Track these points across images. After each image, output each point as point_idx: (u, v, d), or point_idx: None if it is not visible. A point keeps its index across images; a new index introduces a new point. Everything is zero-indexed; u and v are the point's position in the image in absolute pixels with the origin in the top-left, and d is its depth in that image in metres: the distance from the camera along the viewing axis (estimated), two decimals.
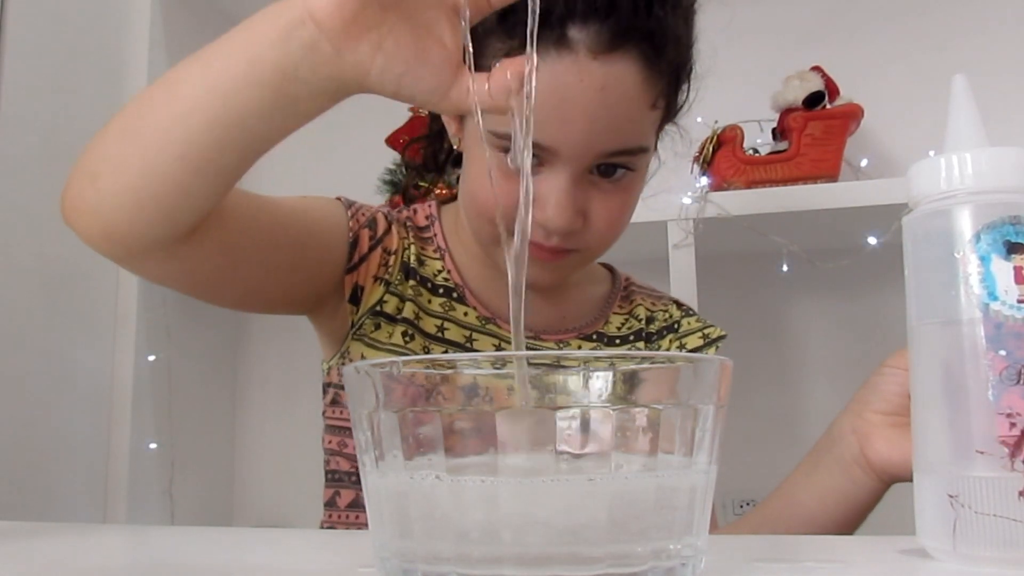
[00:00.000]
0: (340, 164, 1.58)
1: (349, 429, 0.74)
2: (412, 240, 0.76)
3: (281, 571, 0.41)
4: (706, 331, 0.82)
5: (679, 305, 0.85)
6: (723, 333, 0.82)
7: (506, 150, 0.64)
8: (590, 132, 0.64)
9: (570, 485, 0.31)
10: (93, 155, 0.54)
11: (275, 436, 1.61)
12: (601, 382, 0.32)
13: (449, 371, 0.33)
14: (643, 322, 0.81)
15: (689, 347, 0.81)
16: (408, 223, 0.78)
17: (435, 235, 0.78)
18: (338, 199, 0.75)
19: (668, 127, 0.76)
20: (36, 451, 1.20)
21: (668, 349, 0.81)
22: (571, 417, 0.32)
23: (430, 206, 0.81)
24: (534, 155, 0.64)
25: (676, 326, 0.82)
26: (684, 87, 0.72)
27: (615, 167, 0.67)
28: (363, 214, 0.74)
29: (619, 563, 0.31)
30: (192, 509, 1.47)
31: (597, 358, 0.33)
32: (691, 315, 0.84)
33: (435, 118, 0.85)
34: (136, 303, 1.37)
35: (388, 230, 0.75)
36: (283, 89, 0.45)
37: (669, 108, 0.71)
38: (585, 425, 0.32)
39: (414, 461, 0.33)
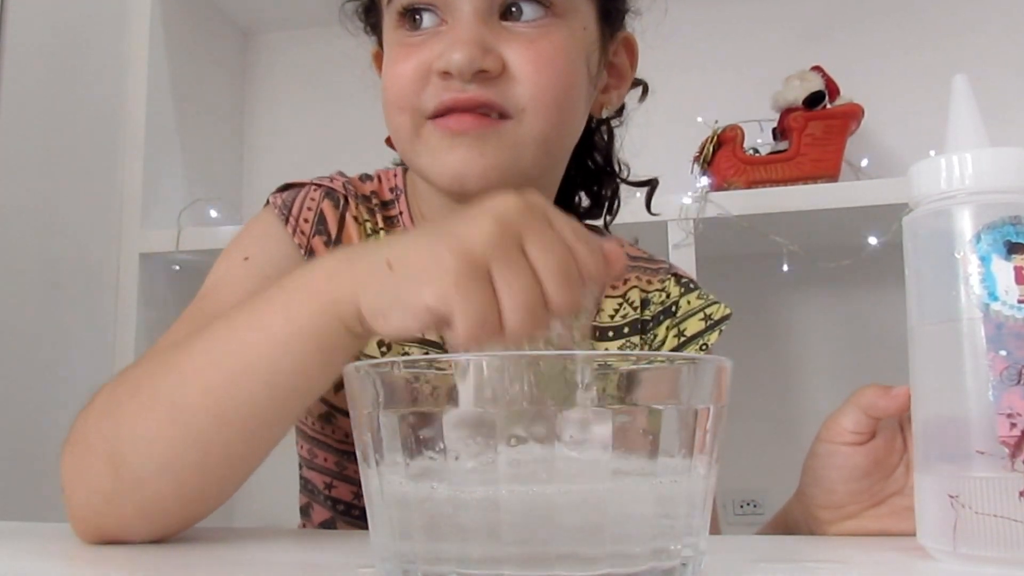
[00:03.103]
0: (340, 164, 1.58)
1: (317, 440, 0.69)
2: (379, 224, 0.68)
3: (281, 571, 0.41)
4: (708, 310, 0.73)
5: (678, 279, 0.76)
6: (728, 312, 0.73)
7: (403, 16, 0.61)
8: None
9: (570, 486, 0.31)
10: (105, 435, 0.47)
11: None
12: (601, 383, 0.32)
13: (449, 371, 0.32)
14: (638, 309, 0.73)
15: (689, 333, 0.72)
16: (373, 197, 0.70)
17: (400, 213, 0.70)
18: (275, 207, 0.67)
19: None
20: (36, 451, 1.20)
21: (665, 338, 0.72)
22: (571, 418, 0.32)
23: (395, 175, 0.72)
24: (426, 9, 0.60)
25: (674, 308, 0.73)
26: None
27: (528, 8, 0.60)
28: (305, 219, 0.66)
29: (619, 563, 0.31)
30: None
31: (598, 359, 0.33)
32: (691, 291, 0.75)
33: None
34: (136, 303, 1.37)
35: (342, 222, 0.67)
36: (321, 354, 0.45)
37: None
38: (585, 426, 0.32)
39: (414, 462, 0.33)
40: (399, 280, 0.40)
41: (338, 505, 0.69)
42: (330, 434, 0.68)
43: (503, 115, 0.59)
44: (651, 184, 0.83)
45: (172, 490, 0.46)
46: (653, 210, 0.86)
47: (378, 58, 0.71)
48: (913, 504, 0.41)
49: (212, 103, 1.62)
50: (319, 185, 0.68)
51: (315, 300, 0.44)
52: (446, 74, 0.58)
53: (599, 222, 0.83)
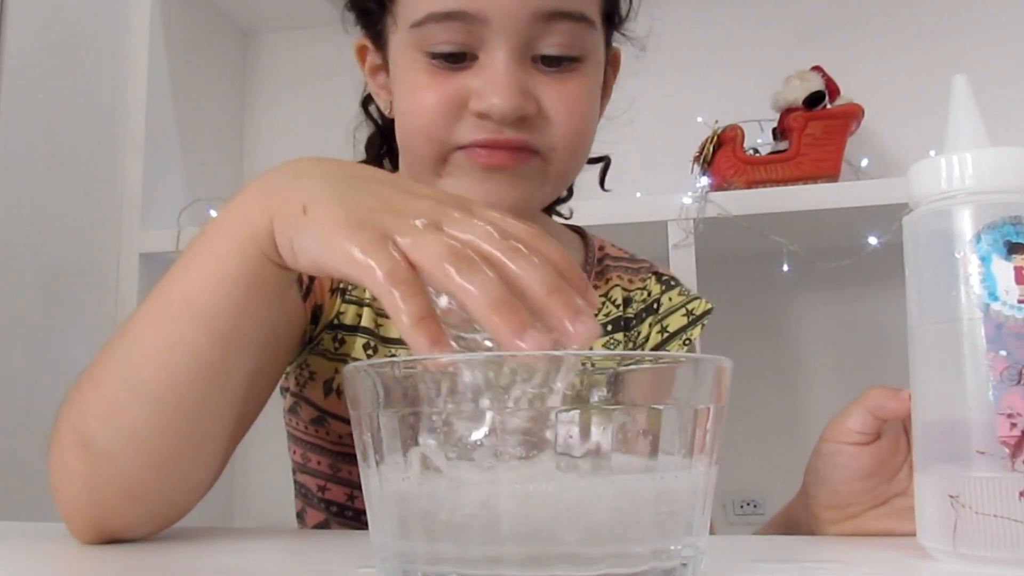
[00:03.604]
0: None
1: (309, 443, 0.70)
2: None
3: (281, 571, 0.41)
4: (690, 306, 0.75)
5: (659, 277, 0.77)
6: (709, 307, 0.75)
7: (434, 56, 0.60)
8: None
9: (570, 486, 0.31)
10: (79, 423, 0.47)
11: (275, 436, 1.61)
12: (601, 383, 0.32)
13: (449, 371, 0.32)
14: (620, 307, 0.74)
15: (671, 329, 0.73)
16: None
17: None
18: None
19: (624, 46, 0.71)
20: (36, 451, 1.20)
21: (648, 335, 0.73)
22: (571, 418, 0.32)
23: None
24: (462, 53, 0.60)
25: (656, 306, 0.75)
26: None
27: (560, 59, 0.61)
28: None
29: (619, 563, 0.31)
30: (192, 509, 1.46)
31: (597, 359, 0.33)
32: (672, 287, 0.76)
33: (367, 105, 0.79)
34: (136, 303, 1.37)
35: None
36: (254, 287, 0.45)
37: None
38: (585, 426, 0.32)
39: (414, 462, 0.33)
40: (312, 228, 0.40)
41: (331, 507, 0.69)
42: (324, 436, 0.68)
43: (534, 152, 0.61)
44: (604, 161, 0.83)
45: (143, 461, 0.46)
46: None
47: (362, 52, 0.70)
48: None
49: (212, 103, 1.62)
50: None
51: (234, 237, 0.43)
52: (484, 115, 0.59)
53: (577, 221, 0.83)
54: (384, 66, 0.67)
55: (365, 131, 0.83)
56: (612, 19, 0.68)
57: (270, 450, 1.66)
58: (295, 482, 0.74)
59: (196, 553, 0.46)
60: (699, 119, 1.33)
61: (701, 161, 1.30)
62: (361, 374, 0.34)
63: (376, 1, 0.65)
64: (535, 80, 0.60)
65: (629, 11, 0.70)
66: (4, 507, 1.13)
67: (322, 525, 0.70)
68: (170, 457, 0.47)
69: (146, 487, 0.47)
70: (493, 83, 0.58)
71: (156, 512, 0.49)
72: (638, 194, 1.27)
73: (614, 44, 0.71)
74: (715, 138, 1.29)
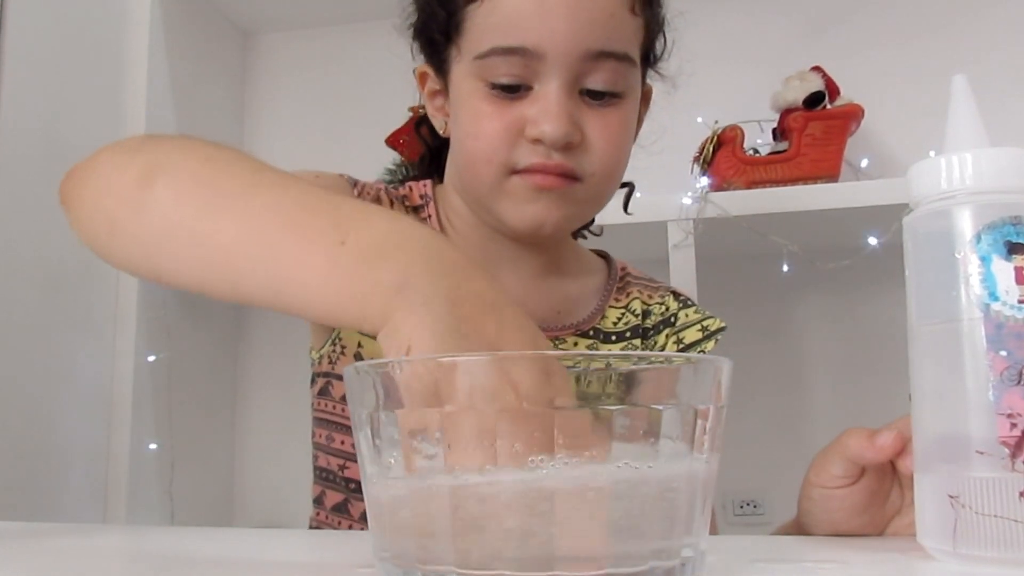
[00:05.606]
0: (340, 164, 1.58)
1: (337, 423, 0.72)
2: None
3: (280, 571, 0.41)
4: (705, 323, 0.80)
5: (676, 296, 0.83)
6: (722, 325, 0.80)
7: (494, 87, 0.66)
8: (573, 22, 0.65)
9: (570, 485, 0.31)
10: (122, 194, 0.51)
11: (275, 436, 1.61)
12: (601, 382, 0.32)
13: (450, 371, 0.32)
14: (639, 317, 0.79)
15: (687, 341, 0.79)
16: (405, 202, 0.77)
17: (430, 216, 0.77)
18: (341, 176, 0.74)
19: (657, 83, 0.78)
20: (36, 451, 1.20)
21: (665, 344, 0.79)
22: (571, 418, 0.32)
23: (425, 185, 0.79)
24: (518, 86, 0.66)
25: (673, 319, 0.80)
26: (661, 20, 0.75)
27: (604, 94, 0.67)
28: (368, 193, 0.74)
29: (619, 563, 0.31)
30: (192, 509, 1.47)
31: (597, 358, 0.33)
32: (689, 306, 0.82)
33: (420, 127, 0.85)
34: (136, 303, 1.37)
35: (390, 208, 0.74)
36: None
37: (649, 31, 0.72)
38: (585, 426, 0.32)
39: (414, 461, 0.33)
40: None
41: (351, 484, 0.72)
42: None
43: (575, 178, 0.67)
44: (629, 187, 0.88)
45: (184, 237, 0.47)
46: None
47: (423, 78, 0.76)
48: (913, 520, 0.41)
49: (212, 103, 1.62)
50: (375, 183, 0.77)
51: (355, 309, 0.42)
52: (537, 140, 0.65)
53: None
54: (442, 91, 0.74)
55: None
56: (648, 58, 0.75)
57: (270, 451, 1.66)
58: (315, 468, 0.77)
59: (196, 553, 0.46)
60: (699, 119, 1.33)
61: (701, 161, 1.30)
62: (361, 374, 0.34)
63: (443, 33, 0.71)
64: (581, 112, 0.67)
65: (663, 51, 0.77)
66: (4, 507, 1.13)
67: (340, 504, 0.73)
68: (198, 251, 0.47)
69: (167, 239, 0.48)
70: (546, 112, 0.65)
71: (160, 253, 0.50)
72: (638, 194, 1.27)
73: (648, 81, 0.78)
74: (715, 138, 1.30)
